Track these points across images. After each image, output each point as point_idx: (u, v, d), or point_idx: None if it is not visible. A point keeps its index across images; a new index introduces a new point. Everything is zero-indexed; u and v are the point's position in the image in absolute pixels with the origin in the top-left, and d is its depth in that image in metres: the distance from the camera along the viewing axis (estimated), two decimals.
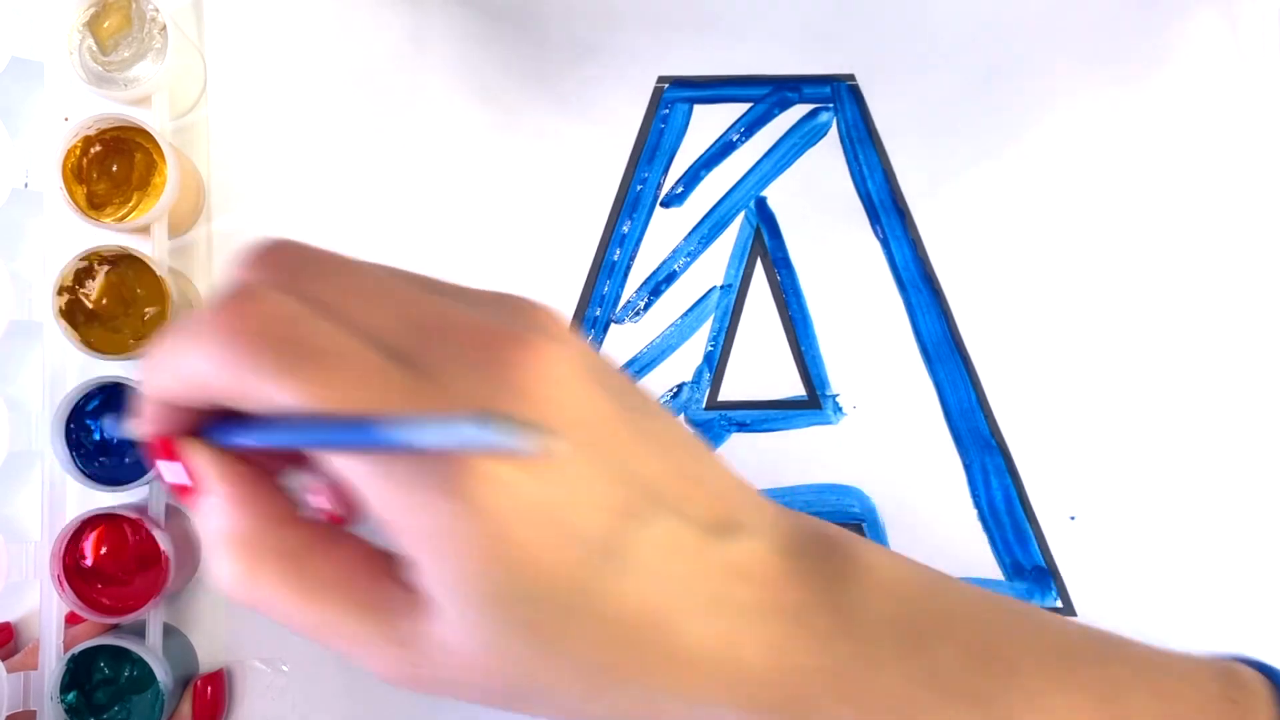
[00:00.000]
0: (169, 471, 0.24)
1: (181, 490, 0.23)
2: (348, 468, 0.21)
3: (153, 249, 0.39)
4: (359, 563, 0.23)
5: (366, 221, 0.42)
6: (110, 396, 0.38)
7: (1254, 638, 0.40)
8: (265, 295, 0.21)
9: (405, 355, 0.21)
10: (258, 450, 0.23)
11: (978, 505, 0.41)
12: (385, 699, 0.41)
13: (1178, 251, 0.42)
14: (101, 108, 0.39)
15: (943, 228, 0.42)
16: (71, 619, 0.38)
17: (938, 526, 0.41)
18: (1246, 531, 0.40)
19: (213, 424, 0.23)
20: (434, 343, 0.21)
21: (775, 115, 0.43)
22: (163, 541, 0.37)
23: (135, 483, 0.37)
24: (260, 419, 0.22)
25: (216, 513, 0.23)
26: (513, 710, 0.23)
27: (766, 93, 0.43)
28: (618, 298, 0.42)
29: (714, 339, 0.42)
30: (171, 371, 0.22)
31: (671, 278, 0.42)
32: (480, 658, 0.21)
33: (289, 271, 0.22)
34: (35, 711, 0.37)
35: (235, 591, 0.23)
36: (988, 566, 0.41)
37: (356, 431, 0.19)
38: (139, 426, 0.24)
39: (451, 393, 0.20)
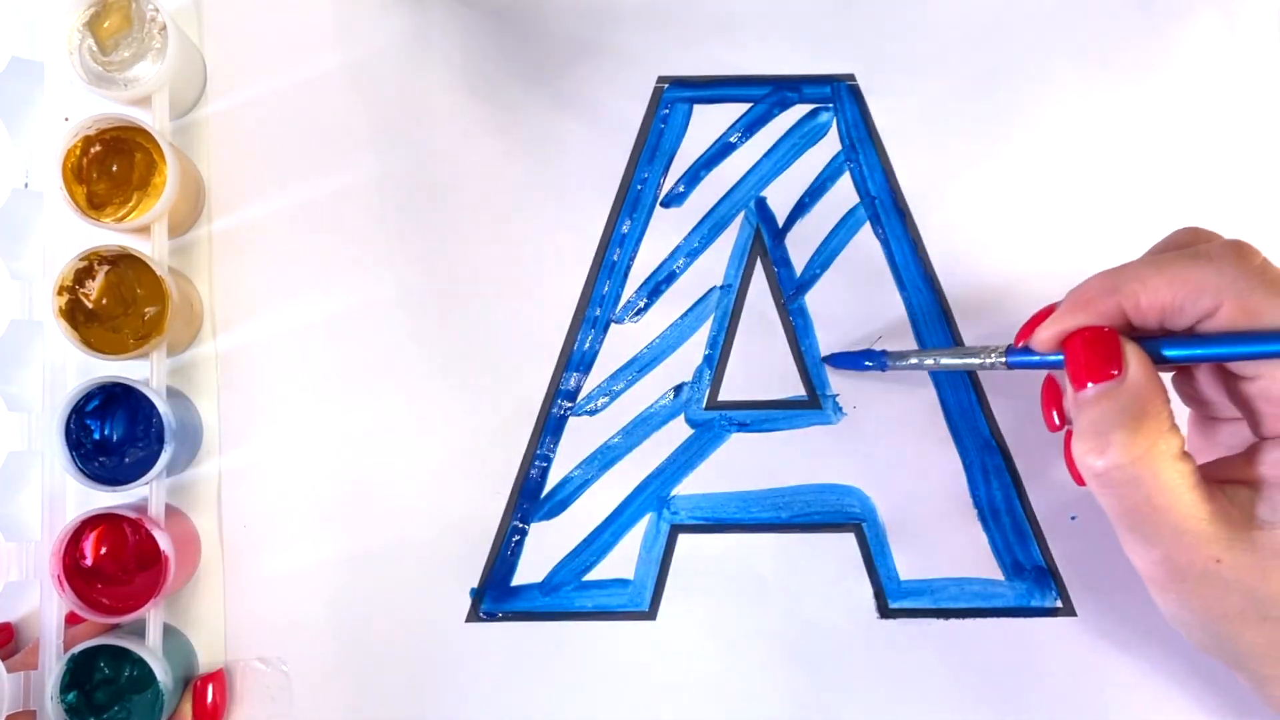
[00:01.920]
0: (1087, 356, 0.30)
1: (1094, 366, 0.30)
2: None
3: (153, 249, 0.39)
4: (1203, 478, 0.30)
5: (366, 221, 0.42)
6: (110, 396, 0.38)
7: None
8: (1258, 250, 0.29)
9: None
10: (1182, 361, 0.30)
11: (978, 505, 0.41)
12: (385, 698, 0.41)
13: None
14: (101, 108, 0.39)
15: (943, 228, 0.42)
16: (71, 619, 0.38)
17: (938, 526, 0.41)
18: None
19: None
20: None
21: (775, 115, 0.43)
22: (163, 541, 0.37)
23: (135, 483, 0.37)
24: (1187, 338, 0.30)
25: (1130, 396, 0.30)
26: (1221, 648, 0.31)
27: (766, 93, 0.43)
28: (618, 298, 0.42)
29: (714, 339, 0.42)
30: (1167, 281, 0.29)
31: (671, 278, 0.42)
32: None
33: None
34: (35, 711, 0.37)
35: (1121, 463, 0.29)
36: (988, 566, 0.41)
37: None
38: (1056, 331, 0.31)
39: None
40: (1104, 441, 0.29)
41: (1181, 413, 0.33)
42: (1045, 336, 0.32)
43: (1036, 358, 0.33)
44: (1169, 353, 0.30)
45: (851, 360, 0.41)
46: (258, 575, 0.41)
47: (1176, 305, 0.30)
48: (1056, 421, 0.35)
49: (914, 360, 0.38)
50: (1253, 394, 0.30)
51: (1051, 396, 0.35)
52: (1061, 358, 0.32)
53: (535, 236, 0.42)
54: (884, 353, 0.39)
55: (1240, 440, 0.33)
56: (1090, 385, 0.30)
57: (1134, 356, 0.30)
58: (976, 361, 0.35)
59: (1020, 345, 0.33)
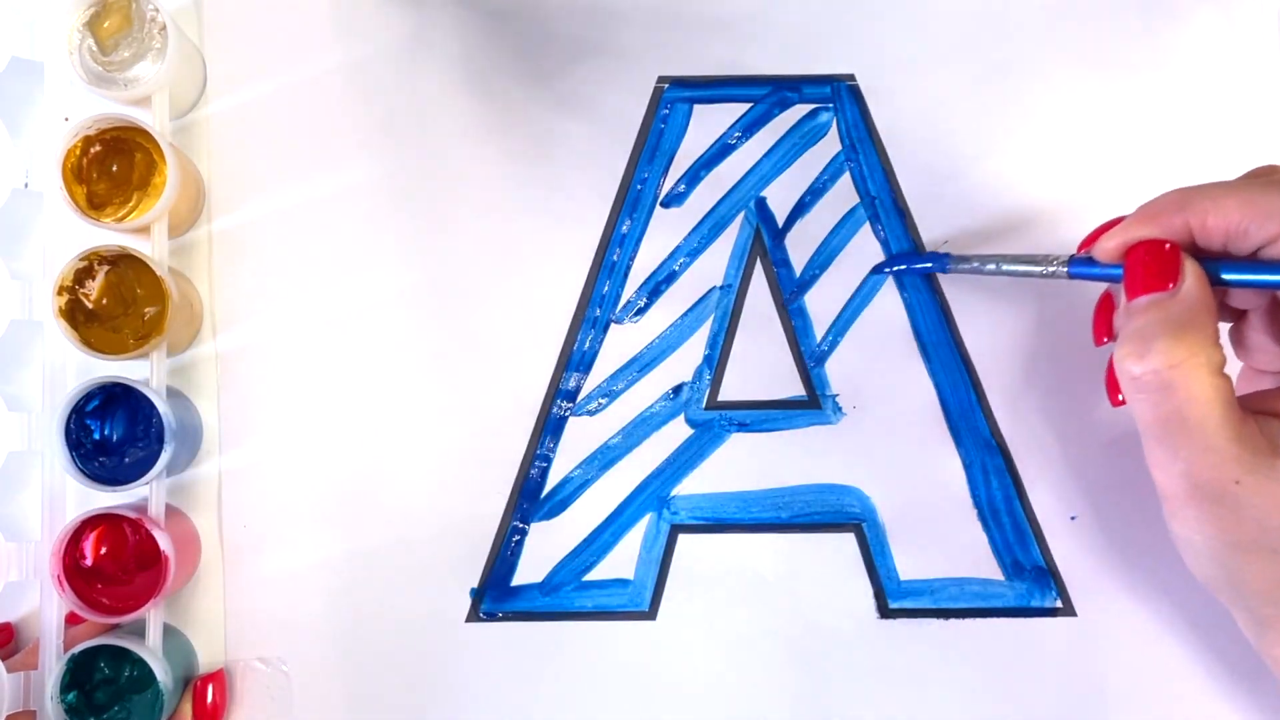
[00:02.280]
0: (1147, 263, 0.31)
1: (1151, 276, 0.31)
2: None
3: (153, 249, 0.39)
4: (1240, 405, 0.30)
5: (367, 222, 0.42)
6: (110, 396, 0.38)
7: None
8: None
9: None
10: (1241, 284, 0.31)
11: (978, 505, 0.41)
12: (385, 699, 0.41)
13: None
14: (101, 108, 0.39)
15: (943, 228, 0.42)
16: (71, 619, 0.38)
17: (938, 526, 0.41)
18: None
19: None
20: None
21: (775, 115, 0.43)
22: (163, 541, 0.37)
23: (135, 483, 0.37)
24: (1246, 263, 0.30)
25: (1180, 307, 0.30)
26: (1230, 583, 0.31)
27: (766, 93, 0.43)
28: (618, 298, 0.42)
29: (714, 339, 0.42)
30: (1237, 204, 0.30)
31: (671, 278, 0.42)
32: None
33: None
34: (35, 711, 0.37)
35: (1159, 368, 0.30)
36: (988, 566, 0.41)
37: None
38: (1120, 242, 0.32)
39: None
40: (1146, 347, 0.30)
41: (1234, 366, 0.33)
42: (1110, 246, 0.32)
43: (1098, 268, 0.33)
44: (1227, 275, 0.31)
45: (910, 262, 0.41)
46: (258, 575, 0.41)
47: (1242, 228, 0.30)
48: (1104, 339, 0.35)
49: (975, 264, 0.38)
50: None
51: (1104, 314, 0.35)
52: (1121, 270, 0.32)
53: (535, 236, 0.42)
54: (946, 255, 0.39)
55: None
56: (1144, 295, 0.31)
57: (1191, 272, 0.31)
58: (1039, 269, 0.35)
59: (1083, 254, 0.34)
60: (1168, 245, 0.31)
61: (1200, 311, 0.30)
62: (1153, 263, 0.31)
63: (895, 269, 0.41)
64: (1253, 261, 0.31)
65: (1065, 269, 0.35)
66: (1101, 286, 0.36)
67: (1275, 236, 0.30)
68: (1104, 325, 0.35)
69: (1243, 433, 0.30)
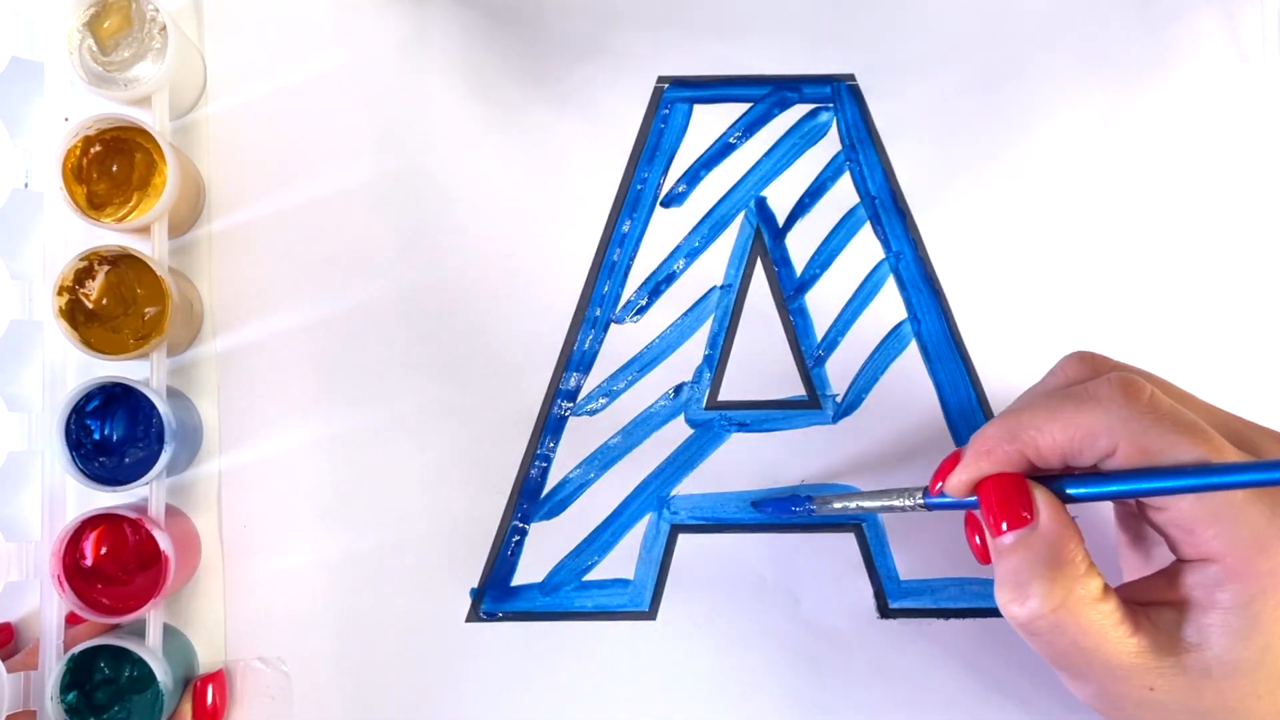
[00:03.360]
0: (1000, 505, 0.31)
1: (1005, 514, 0.31)
2: (1183, 503, 0.29)
3: (153, 249, 0.39)
4: (1127, 610, 0.30)
5: (367, 222, 0.42)
6: (110, 396, 0.38)
7: None
8: (1145, 386, 0.30)
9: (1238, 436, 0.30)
10: (1087, 499, 0.31)
11: None
12: (385, 699, 0.41)
13: (1178, 251, 0.42)
14: (101, 108, 0.39)
15: (943, 228, 0.42)
16: (71, 619, 0.38)
17: (938, 526, 0.41)
18: None
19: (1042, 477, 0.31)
20: (1255, 431, 0.31)
21: (775, 115, 0.43)
22: (163, 541, 0.37)
23: (135, 483, 0.37)
24: (1091, 476, 0.30)
25: (1044, 544, 0.30)
26: None
27: (766, 93, 0.43)
28: (618, 298, 0.42)
29: (714, 339, 0.42)
30: (1061, 427, 0.30)
31: (671, 278, 0.42)
32: (1224, 683, 0.29)
33: (1134, 375, 0.31)
34: (35, 711, 0.37)
35: (1042, 613, 0.30)
36: (988, 566, 0.41)
37: (1199, 476, 0.28)
38: (966, 479, 0.32)
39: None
40: (1024, 592, 0.30)
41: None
42: (955, 484, 0.33)
43: (953, 500, 0.33)
44: (1073, 491, 0.31)
45: (779, 506, 0.40)
46: (258, 575, 0.41)
47: (1075, 449, 0.30)
48: (985, 560, 0.35)
49: (837, 505, 0.38)
50: (1163, 522, 0.30)
51: (974, 531, 0.35)
52: (976, 500, 0.32)
53: (535, 236, 0.42)
54: (808, 498, 0.39)
55: (1169, 555, 0.33)
56: (1006, 532, 0.31)
57: (1043, 501, 0.31)
58: (898, 504, 0.35)
59: (937, 489, 0.34)
60: (1013, 477, 0.31)
61: (1065, 543, 0.30)
62: (1005, 499, 0.31)
63: (766, 512, 0.41)
64: (1096, 474, 0.31)
65: (922, 502, 0.34)
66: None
67: (1107, 452, 0.30)
68: (979, 548, 0.34)
69: (1142, 643, 0.30)
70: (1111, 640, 0.30)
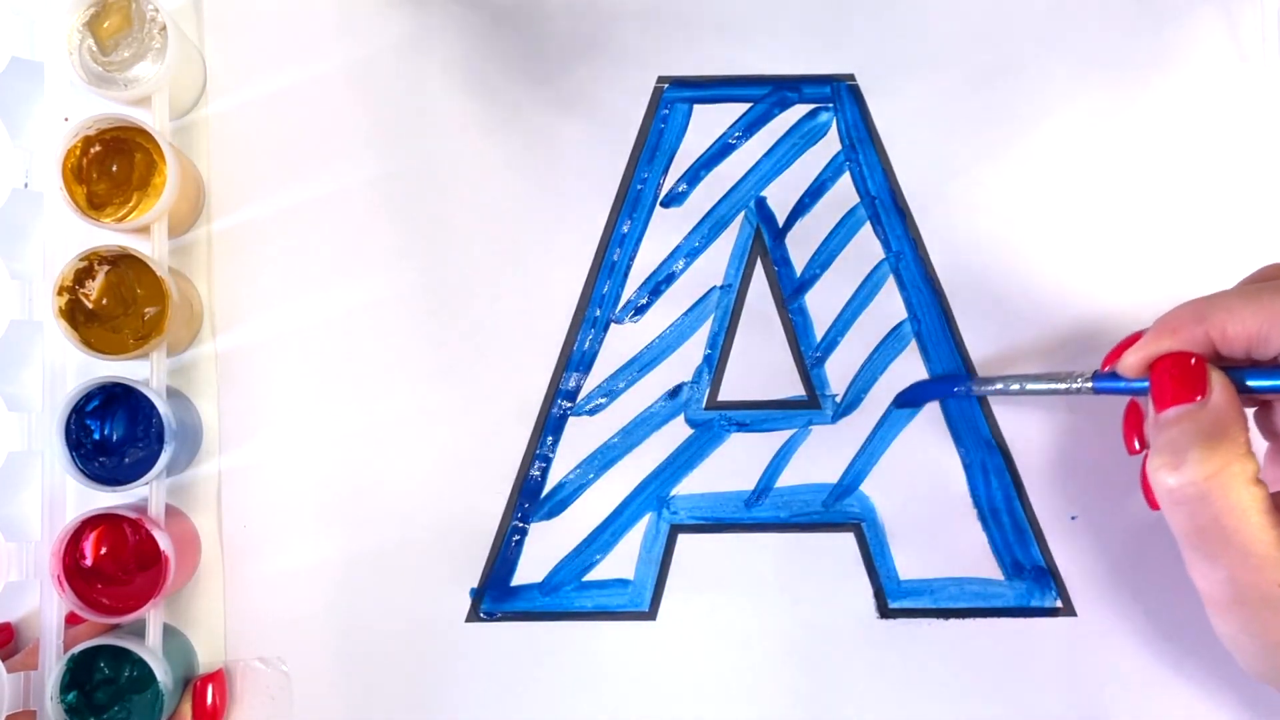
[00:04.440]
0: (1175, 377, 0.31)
1: (1179, 389, 0.31)
2: None
3: (153, 249, 0.39)
4: (1275, 501, 0.30)
5: (367, 222, 0.42)
6: (110, 396, 0.38)
7: None
8: None
9: None
10: (1267, 391, 0.31)
11: (978, 505, 0.41)
12: (385, 699, 0.41)
13: (1177, 251, 0.42)
14: (101, 108, 0.39)
15: (943, 228, 0.42)
16: (71, 619, 0.38)
17: (938, 526, 0.41)
18: None
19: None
20: None
21: (775, 115, 0.43)
22: (163, 541, 0.37)
23: (135, 483, 0.37)
24: (1272, 369, 0.31)
25: (1211, 418, 0.30)
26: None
27: (766, 93, 0.43)
28: (618, 298, 0.42)
29: (714, 339, 0.42)
30: (1254, 311, 0.30)
31: (671, 278, 0.42)
32: None
33: None
34: (35, 711, 0.37)
35: (1194, 479, 0.30)
36: (987, 566, 0.41)
37: None
38: (1143, 357, 0.32)
39: None
40: (1180, 458, 0.30)
41: (1260, 447, 0.33)
42: (1132, 361, 0.33)
43: (1123, 383, 0.33)
44: (1253, 382, 0.31)
45: (935, 389, 0.40)
46: (258, 575, 0.41)
47: (1263, 335, 0.30)
48: (1136, 445, 0.36)
49: (999, 385, 0.38)
50: None
51: (1133, 421, 0.36)
52: (1147, 383, 0.32)
53: (535, 236, 0.42)
54: (969, 377, 0.39)
55: None
56: (1173, 408, 0.31)
57: (1218, 382, 0.31)
58: (1062, 386, 0.36)
59: (1107, 370, 0.34)
60: (1193, 359, 0.31)
61: (1231, 422, 0.30)
62: (1179, 376, 0.31)
63: (918, 398, 0.41)
64: (1278, 368, 0.31)
65: (1090, 385, 0.35)
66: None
67: None
68: (1134, 434, 0.35)
69: None
70: (1254, 525, 0.29)
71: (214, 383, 0.42)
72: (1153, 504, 0.33)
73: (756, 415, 0.42)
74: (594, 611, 0.41)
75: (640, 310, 0.42)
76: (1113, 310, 0.42)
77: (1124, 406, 0.36)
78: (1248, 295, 0.31)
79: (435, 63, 0.43)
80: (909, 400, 0.41)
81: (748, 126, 0.43)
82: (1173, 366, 0.32)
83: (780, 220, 0.43)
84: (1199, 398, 0.31)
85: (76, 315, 0.38)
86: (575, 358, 0.42)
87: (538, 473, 0.42)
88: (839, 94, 0.43)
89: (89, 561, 0.37)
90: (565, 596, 0.41)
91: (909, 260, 0.42)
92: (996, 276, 0.42)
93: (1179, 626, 0.40)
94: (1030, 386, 0.37)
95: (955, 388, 0.39)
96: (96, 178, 0.39)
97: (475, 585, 0.41)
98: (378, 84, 0.43)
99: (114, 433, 0.38)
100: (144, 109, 0.40)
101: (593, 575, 0.41)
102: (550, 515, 0.42)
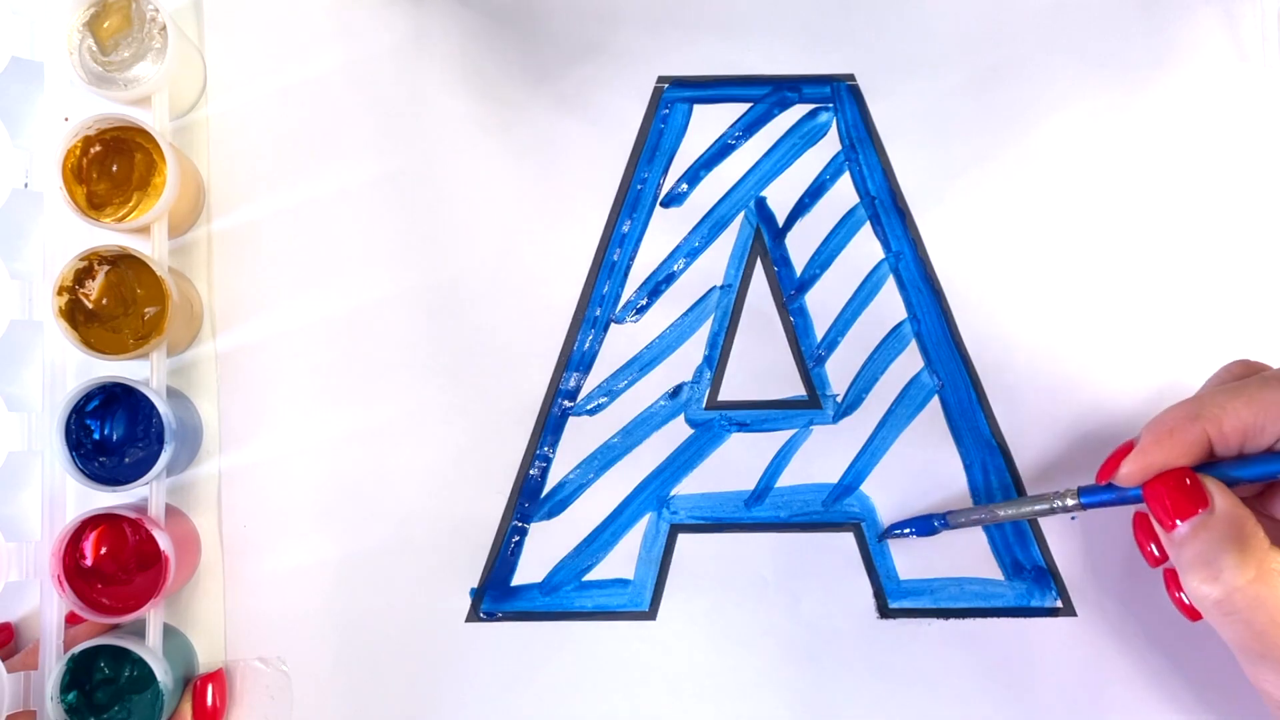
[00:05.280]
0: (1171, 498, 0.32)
1: (1179, 506, 0.32)
2: None
3: (153, 249, 0.39)
4: None
5: (367, 222, 0.42)
6: (110, 396, 0.38)
7: None
8: None
9: None
10: (1257, 479, 0.32)
11: (977, 505, 0.41)
12: (385, 699, 0.41)
13: (1178, 250, 0.42)
14: (101, 108, 0.39)
15: (943, 228, 0.42)
16: (71, 619, 0.38)
17: None
18: None
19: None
20: None
21: (775, 115, 0.43)
22: (163, 541, 0.37)
23: (135, 483, 0.37)
24: (1256, 458, 0.31)
25: (1224, 523, 0.31)
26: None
27: (766, 93, 0.43)
28: (618, 298, 0.42)
29: (714, 339, 0.42)
30: (1245, 403, 0.31)
31: (671, 278, 0.42)
32: None
33: None
34: (35, 711, 0.37)
35: (1239, 585, 0.30)
36: (988, 566, 0.41)
37: None
38: (1142, 466, 0.32)
39: None
40: (1214, 569, 0.30)
41: None
42: (1130, 471, 0.33)
43: (1113, 494, 0.34)
44: (1238, 474, 0.32)
45: (918, 525, 0.40)
46: (258, 575, 0.41)
47: (1258, 427, 0.31)
48: (1156, 554, 0.36)
49: (981, 515, 0.38)
50: None
51: (1145, 530, 0.36)
52: (1138, 491, 0.33)
53: (535, 236, 0.42)
54: (945, 514, 0.39)
55: None
56: (1180, 524, 0.31)
57: (1214, 488, 0.31)
58: (1046, 507, 0.36)
59: (1105, 483, 0.34)
60: (1183, 471, 0.32)
61: (1245, 519, 0.31)
62: (1178, 493, 0.32)
63: (900, 532, 0.41)
64: (1261, 455, 0.32)
65: (1079, 501, 0.35)
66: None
67: None
68: (1148, 546, 0.36)
69: None
70: None
71: (214, 383, 0.42)
72: (1189, 615, 0.34)
73: (757, 415, 0.42)
74: (594, 611, 0.41)
75: (640, 310, 0.42)
76: (1112, 307, 0.42)
77: (1129, 516, 0.37)
78: (1236, 391, 0.32)
79: (435, 62, 0.43)
80: (887, 535, 0.41)
81: (748, 126, 0.43)
82: (1169, 485, 0.32)
83: (780, 220, 0.43)
84: (1201, 510, 0.31)
85: (76, 315, 0.38)
86: (575, 358, 0.42)
87: (538, 473, 0.42)
88: (839, 94, 0.43)
89: (89, 561, 0.37)
90: (565, 596, 0.41)
91: (909, 260, 0.42)
92: (996, 276, 0.42)
93: (1179, 626, 0.40)
94: (1007, 513, 0.37)
95: (935, 523, 0.40)
96: (96, 178, 0.39)
97: (475, 585, 0.41)
98: (378, 84, 0.43)
99: (114, 433, 0.38)
100: (144, 109, 0.40)
101: (593, 575, 0.41)
102: (550, 515, 0.42)
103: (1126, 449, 0.34)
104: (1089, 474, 0.41)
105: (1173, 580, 0.36)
